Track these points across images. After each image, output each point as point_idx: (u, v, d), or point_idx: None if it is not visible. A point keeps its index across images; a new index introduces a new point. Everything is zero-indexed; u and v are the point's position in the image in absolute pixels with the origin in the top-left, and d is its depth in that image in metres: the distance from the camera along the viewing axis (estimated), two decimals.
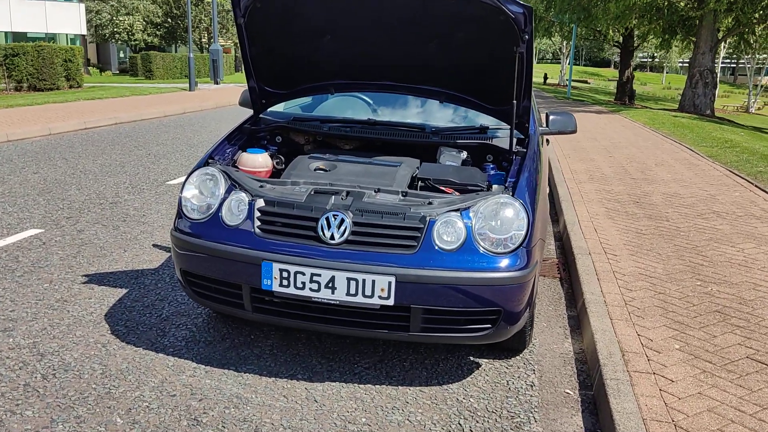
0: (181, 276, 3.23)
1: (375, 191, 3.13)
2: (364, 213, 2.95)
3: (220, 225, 3.08)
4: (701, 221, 6.08)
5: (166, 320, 3.68)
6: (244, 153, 3.61)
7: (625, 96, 29.52)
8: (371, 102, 4.25)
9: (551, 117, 4.29)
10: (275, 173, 3.64)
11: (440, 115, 4.03)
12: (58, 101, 15.95)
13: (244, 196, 3.10)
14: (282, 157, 3.70)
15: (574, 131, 4.29)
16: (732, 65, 74.60)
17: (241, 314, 3.13)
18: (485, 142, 3.63)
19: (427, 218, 2.92)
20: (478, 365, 3.34)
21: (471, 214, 2.97)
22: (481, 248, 2.91)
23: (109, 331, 3.51)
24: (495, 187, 3.37)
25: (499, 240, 2.94)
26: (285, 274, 2.90)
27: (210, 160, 3.44)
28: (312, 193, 3.08)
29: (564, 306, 4.26)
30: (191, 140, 10.91)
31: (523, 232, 2.97)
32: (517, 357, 3.45)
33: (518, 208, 3.00)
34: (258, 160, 3.54)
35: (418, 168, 3.50)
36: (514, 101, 3.38)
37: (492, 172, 3.58)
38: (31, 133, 10.95)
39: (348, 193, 3.08)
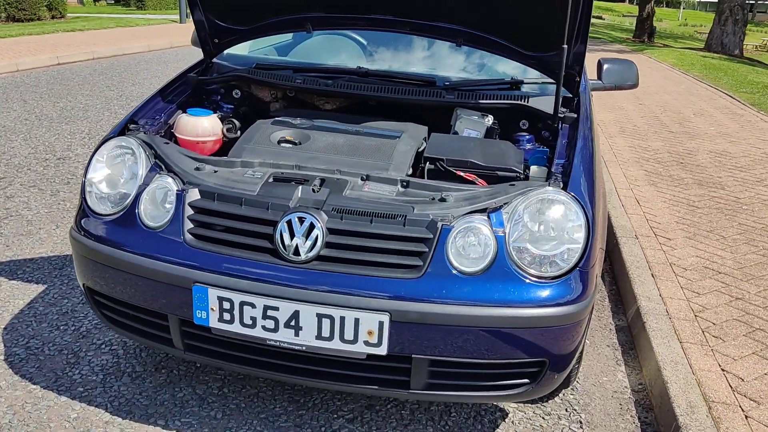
0: (86, 293, 2.28)
1: (362, 179, 2.14)
2: (344, 215, 1.97)
3: (136, 225, 2.11)
4: (764, 190, 5.07)
5: (85, 337, 2.75)
6: (183, 114, 2.59)
7: (644, 34, 27.79)
8: (364, 43, 3.19)
9: (606, 66, 3.20)
10: (226, 145, 2.63)
11: (457, 63, 2.97)
12: (34, 33, 14.65)
13: (171, 183, 2.12)
14: (236, 122, 2.67)
15: (634, 85, 3.22)
16: (750, 1, 71.43)
17: (170, 352, 2.20)
18: (519, 103, 2.60)
19: (439, 224, 1.94)
20: (504, 414, 2.42)
21: (504, 218, 1.99)
22: (519, 270, 1.94)
23: (2, 357, 2.59)
24: (533, 169, 2.37)
25: (545, 257, 1.97)
26: (226, 305, 1.95)
27: (131, 125, 2.43)
28: (270, 180, 2.10)
29: (609, 311, 3.32)
30: None
31: (580, 246, 1.99)
32: (557, 398, 2.54)
33: (573, 208, 2.02)
34: (201, 126, 2.53)
35: (425, 141, 2.49)
36: (565, 45, 2.34)
37: (528, 146, 2.57)
38: None
39: (322, 182, 2.10)
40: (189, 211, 2.06)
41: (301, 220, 1.94)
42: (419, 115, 2.67)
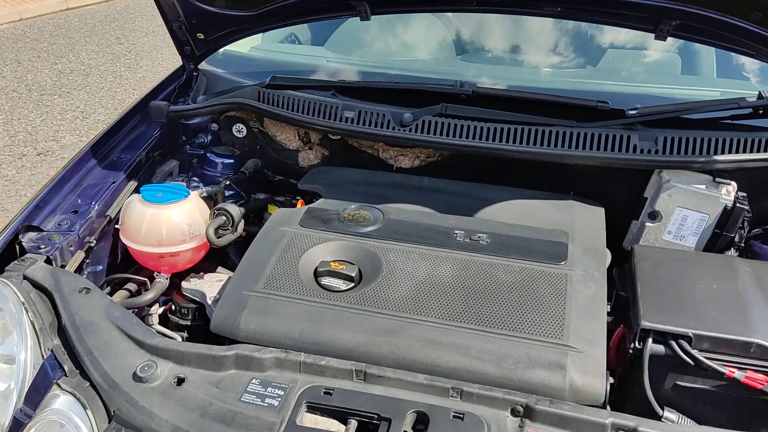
0: None
1: (515, 414, 0.91)
2: None
3: None
4: None
5: None
6: (134, 197, 1.36)
7: None
8: (462, 33, 1.85)
9: None
10: (214, 257, 1.41)
11: (645, 72, 1.65)
12: None
13: (79, 418, 0.94)
14: (231, 212, 1.39)
15: None
16: None
17: None
18: None
19: None
20: None
21: None
22: None
23: None
24: None
25: None
26: None
27: (24, 235, 1.23)
28: (297, 420, 0.89)
29: None
30: None
31: None
32: None
33: None
34: (168, 222, 1.30)
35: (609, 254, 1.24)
36: None
37: None
38: None
39: (421, 422, 0.88)
40: None
41: None
42: (578, 181, 1.39)
